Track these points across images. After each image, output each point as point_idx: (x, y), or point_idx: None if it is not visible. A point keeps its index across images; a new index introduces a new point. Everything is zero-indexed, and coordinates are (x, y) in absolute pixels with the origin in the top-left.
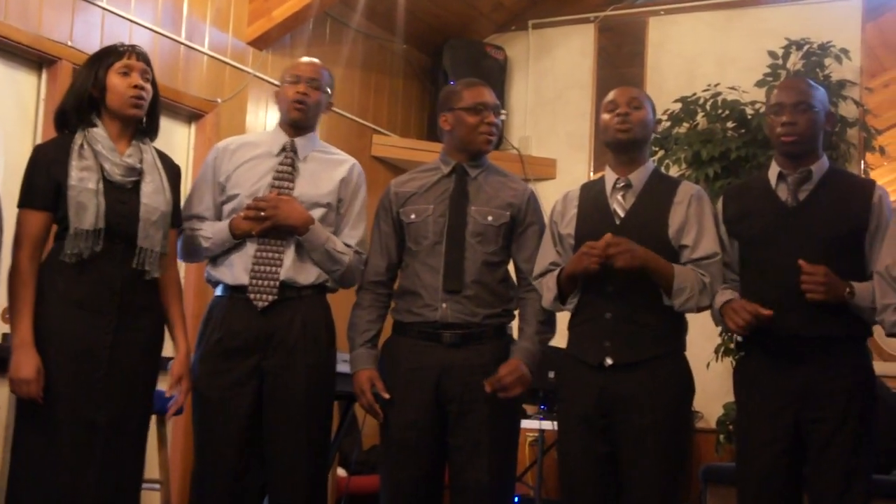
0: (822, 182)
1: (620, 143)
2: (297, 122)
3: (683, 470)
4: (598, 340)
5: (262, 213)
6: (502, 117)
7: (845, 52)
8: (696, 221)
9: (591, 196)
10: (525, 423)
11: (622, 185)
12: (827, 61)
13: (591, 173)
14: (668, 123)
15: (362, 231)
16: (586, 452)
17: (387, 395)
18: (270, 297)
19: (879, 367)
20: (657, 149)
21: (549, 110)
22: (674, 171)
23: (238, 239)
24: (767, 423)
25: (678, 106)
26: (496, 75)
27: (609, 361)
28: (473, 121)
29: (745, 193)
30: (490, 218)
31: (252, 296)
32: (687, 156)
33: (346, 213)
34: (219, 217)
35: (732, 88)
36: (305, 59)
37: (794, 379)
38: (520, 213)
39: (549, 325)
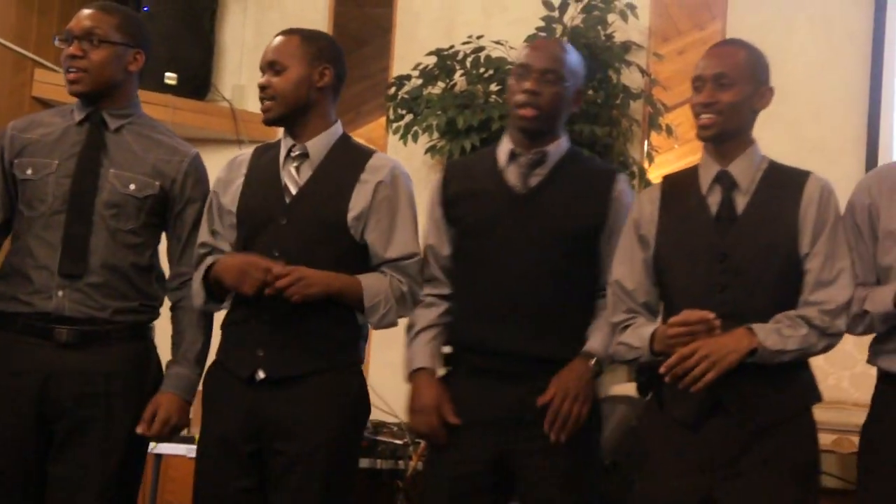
0: (559, 167)
1: (265, 122)
2: None
3: None
4: (251, 348)
5: None
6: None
7: (632, 7)
8: (388, 209)
9: (263, 164)
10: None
11: (297, 153)
12: (610, 17)
13: None
14: (420, 81)
15: None
16: (224, 486)
17: None
18: None
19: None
20: (404, 112)
21: None
22: (423, 141)
23: None
24: (463, 455)
25: (433, 60)
26: (204, 4)
27: (261, 375)
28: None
29: (470, 171)
30: (133, 186)
31: None
32: (440, 123)
33: None
34: None
35: (498, 43)
36: None
37: (502, 403)
38: (175, 185)
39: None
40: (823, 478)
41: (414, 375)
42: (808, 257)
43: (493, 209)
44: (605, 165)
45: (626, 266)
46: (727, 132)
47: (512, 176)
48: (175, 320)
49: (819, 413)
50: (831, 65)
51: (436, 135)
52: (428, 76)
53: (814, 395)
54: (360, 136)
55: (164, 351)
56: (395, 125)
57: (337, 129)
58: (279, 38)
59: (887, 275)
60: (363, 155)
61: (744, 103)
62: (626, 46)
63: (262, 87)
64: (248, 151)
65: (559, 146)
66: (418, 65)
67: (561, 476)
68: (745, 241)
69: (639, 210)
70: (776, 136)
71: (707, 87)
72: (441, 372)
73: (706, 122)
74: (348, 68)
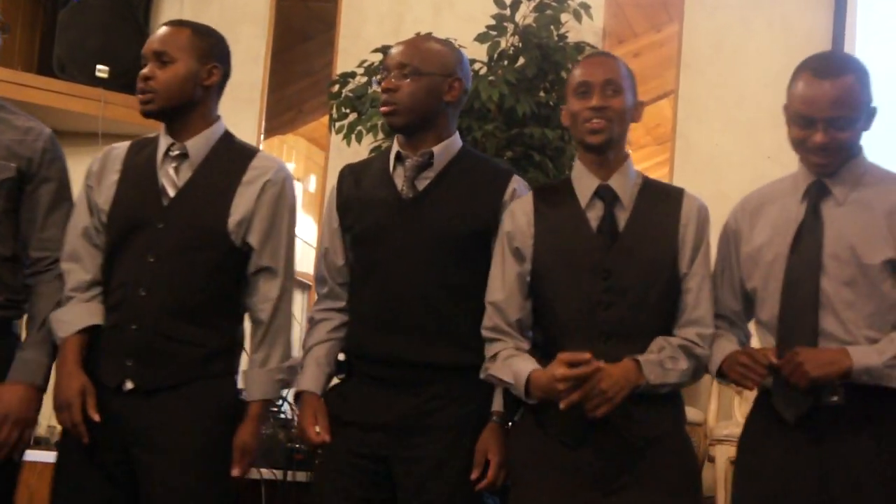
0: (448, 169)
1: (143, 114)
2: None
3: None
4: (119, 357)
5: None
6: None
7: (586, 7)
8: (269, 216)
9: (139, 162)
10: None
11: (176, 153)
12: (564, 17)
13: (262, 136)
14: (365, 79)
15: None
16: (85, 494)
17: None
18: None
19: None
20: (348, 111)
21: None
22: (367, 141)
23: None
24: (348, 464)
25: (378, 57)
26: None
27: (129, 386)
28: None
29: (360, 176)
30: None
31: None
32: (385, 123)
33: None
34: None
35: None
36: None
37: (392, 411)
38: (32, 164)
39: None
40: None
41: (299, 396)
42: (688, 276)
43: (381, 215)
44: (499, 166)
45: (498, 280)
46: (614, 139)
47: (399, 180)
48: (30, 304)
49: None
50: (790, 69)
51: (381, 135)
52: (373, 74)
53: (684, 416)
54: (301, 136)
55: None
56: (338, 124)
57: (218, 127)
58: (168, 29)
59: (755, 297)
60: (246, 155)
61: (627, 113)
62: (580, 47)
63: (145, 78)
64: (124, 144)
65: (448, 147)
66: (363, 62)
67: (443, 487)
68: (628, 258)
69: (511, 222)
70: (733, 143)
71: (596, 92)
72: (335, 380)
73: (598, 125)
74: (290, 64)
